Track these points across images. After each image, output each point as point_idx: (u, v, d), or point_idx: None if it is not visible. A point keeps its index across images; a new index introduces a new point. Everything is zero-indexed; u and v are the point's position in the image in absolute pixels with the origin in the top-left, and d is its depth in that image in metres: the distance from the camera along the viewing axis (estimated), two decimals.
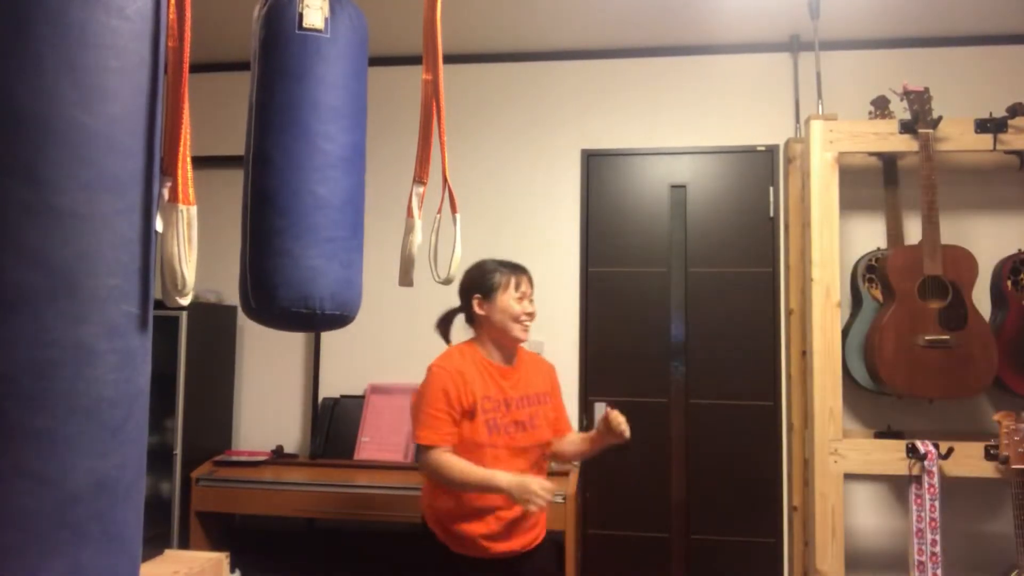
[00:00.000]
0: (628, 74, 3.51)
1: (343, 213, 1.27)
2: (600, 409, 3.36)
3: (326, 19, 1.27)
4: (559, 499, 2.87)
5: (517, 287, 2.20)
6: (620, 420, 2.13)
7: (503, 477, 2.01)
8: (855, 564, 3.09)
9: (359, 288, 1.32)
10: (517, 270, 2.23)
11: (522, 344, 2.27)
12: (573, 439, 2.36)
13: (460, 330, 2.33)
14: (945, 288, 2.75)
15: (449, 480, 2.07)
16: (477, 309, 2.21)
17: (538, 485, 1.95)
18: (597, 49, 3.52)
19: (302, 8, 1.26)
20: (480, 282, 2.22)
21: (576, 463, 3.21)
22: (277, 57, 1.27)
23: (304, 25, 1.26)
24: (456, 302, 2.31)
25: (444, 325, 2.32)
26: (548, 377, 2.35)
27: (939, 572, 2.64)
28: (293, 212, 1.23)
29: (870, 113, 2.99)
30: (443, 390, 2.11)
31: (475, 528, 2.12)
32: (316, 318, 1.24)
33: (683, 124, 3.46)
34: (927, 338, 2.72)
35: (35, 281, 0.82)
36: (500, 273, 2.21)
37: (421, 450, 2.11)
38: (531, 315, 2.22)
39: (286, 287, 1.22)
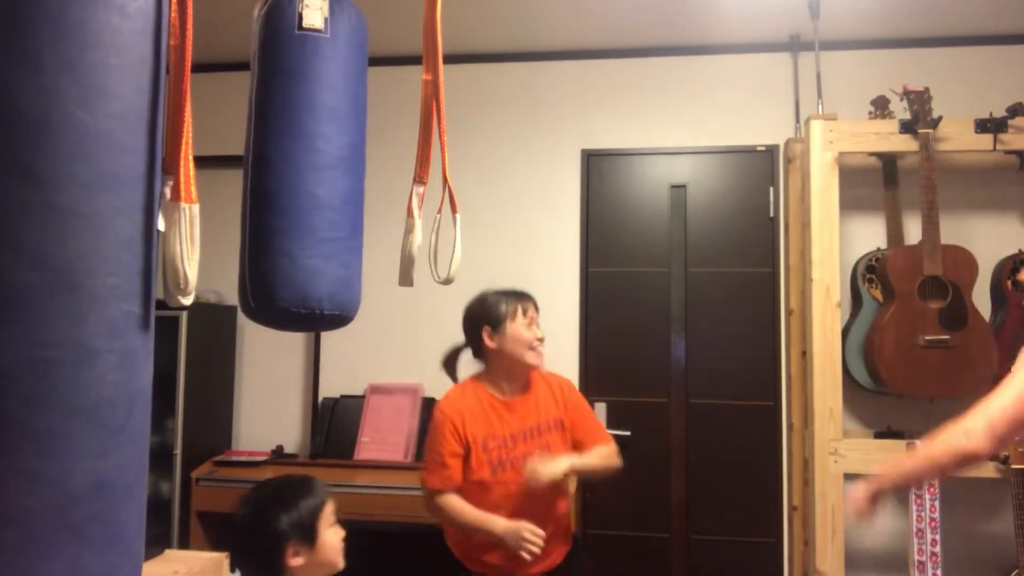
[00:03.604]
0: (628, 74, 3.51)
1: (342, 213, 1.27)
2: (600, 410, 3.36)
3: (326, 19, 1.27)
4: None
5: (524, 313, 2.17)
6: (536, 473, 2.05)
7: (499, 523, 2.04)
8: (855, 564, 3.08)
9: (358, 288, 1.32)
10: (522, 297, 2.20)
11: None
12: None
13: (467, 364, 2.29)
14: (945, 288, 2.75)
15: (450, 521, 2.15)
16: (488, 342, 2.16)
17: (529, 532, 1.98)
18: (597, 49, 3.51)
19: (302, 8, 1.26)
20: (487, 314, 2.17)
21: None
22: (276, 57, 1.27)
23: (304, 25, 1.26)
24: (461, 308, 2.26)
25: (451, 364, 2.28)
26: (563, 395, 2.26)
27: (939, 572, 2.64)
28: (291, 212, 1.23)
29: (870, 113, 2.99)
30: (440, 433, 2.13)
31: (488, 557, 2.12)
32: (315, 318, 1.24)
33: (683, 124, 3.46)
34: (927, 338, 2.72)
35: (35, 280, 0.82)
36: (506, 302, 2.17)
37: (425, 492, 2.17)
38: (542, 340, 2.19)
39: (285, 287, 1.22)
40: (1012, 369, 1.57)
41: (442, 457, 2.11)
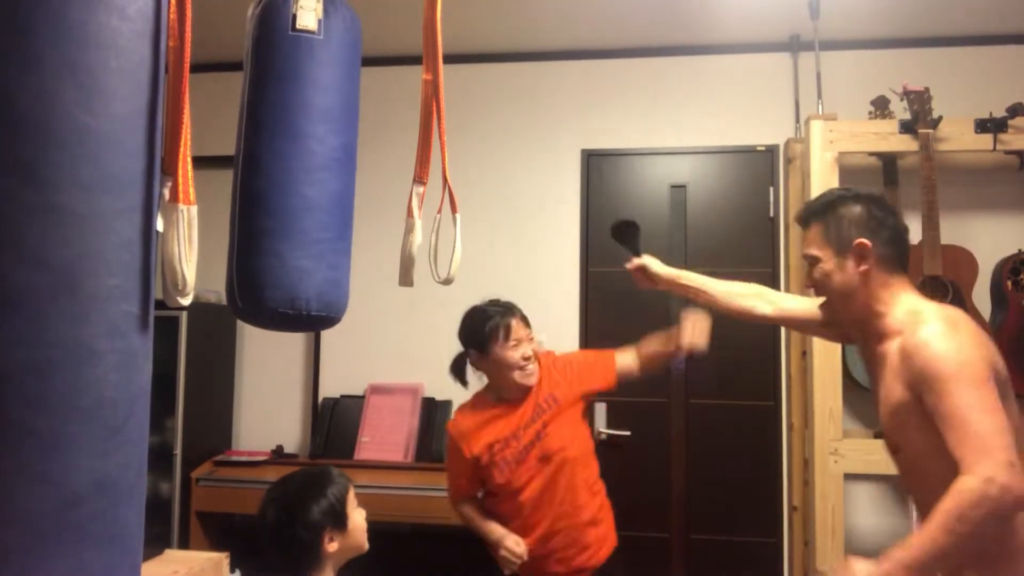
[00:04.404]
0: (628, 74, 3.51)
1: (331, 215, 1.27)
2: (600, 410, 3.36)
3: (319, 20, 1.27)
4: None
5: (507, 336, 2.12)
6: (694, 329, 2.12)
7: (495, 532, 2.15)
8: None
9: (346, 290, 1.33)
10: (506, 315, 2.15)
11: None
12: (646, 346, 2.29)
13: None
14: (945, 288, 2.75)
15: (467, 527, 2.26)
16: (476, 365, 2.21)
17: (512, 543, 2.09)
18: (597, 49, 3.51)
19: (296, 9, 1.26)
20: (472, 336, 2.17)
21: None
22: (269, 58, 1.27)
23: (297, 26, 1.26)
24: (462, 309, 2.27)
25: (458, 370, 2.29)
26: (552, 374, 2.24)
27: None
28: (281, 213, 1.23)
29: (870, 113, 2.99)
30: (450, 453, 2.26)
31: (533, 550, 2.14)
32: (302, 319, 1.24)
33: (683, 124, 3.46)
34: None
35: (36, 281, 0.83)
36: (490, 324, 2.13)
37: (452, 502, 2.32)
38: (529, 358, 2.15)
39: (273, 288, 1.22)
40: (938, 388, 1.38)
41: (454, 474, 2.27)
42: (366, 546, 1.72)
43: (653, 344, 2.30)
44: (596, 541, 2.20)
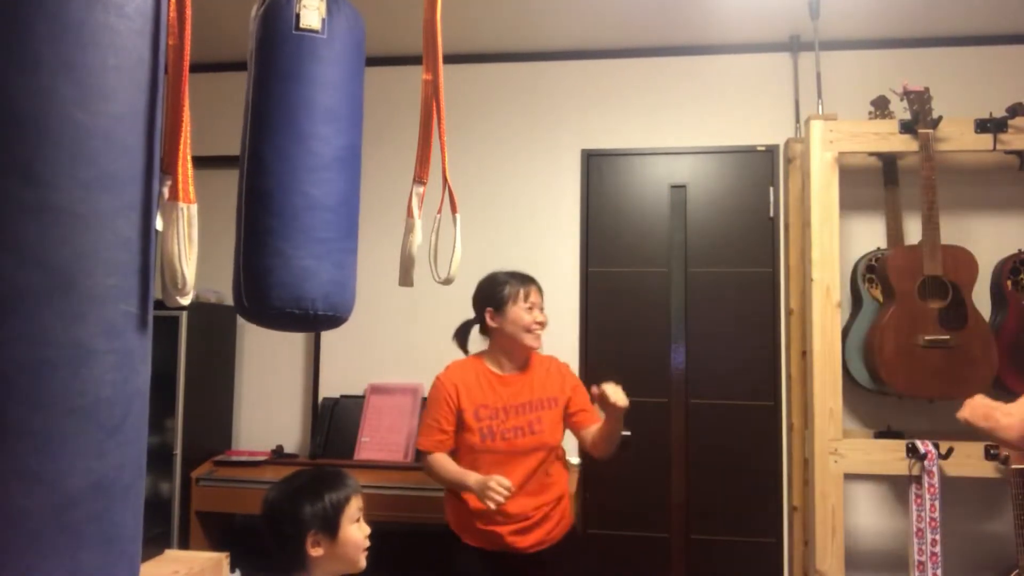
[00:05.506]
0: (628, 74, 3.51)
1: (336, 214, 1.27)
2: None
3: (323, 20, 1.27)
4: None
5: (526, 298, 2.29)
6: (608, 392, 2.13)
7: (472, 477, 2.15)
8: (855, 564, 3.08)
9: (352, 289, 1.32)
10: (526, 281, 2.32)
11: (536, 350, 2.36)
12: (595, 428, 2.34)
13: (477, 340, 2.42)
14: (945, 288, 2.75)
15: (435, 479, 2.29)
16: (489, 321, 2.31)
17: (495, 483, 2.06)
18: (597, 49, 3.51)
19: (299, 8, 1.26)
20: (491, 295, 2.32)
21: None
22: (273, 57, 1.27)
23: (301, 26, 1.26)
24: (462, 309, 2.40)
25: (461, 336, 2.41)
26: (561, 378, 2.39)
27: (939, 572, 2.64)
28: (286, 212, 1.23)
29: (870, 113, 2.98)
30: (437, 400, 2.30)
31: (481, 526, 2.25)
32: (309, 319, 1.24)
33: (683, 124, 3.46)
34: (927, 338, 2.72)
35: (33, 280, 0.82)
36: (510, 285, 2.30)
37: (419, 454, 2.33)
38: (541, 324, 2.31)
39: (279, 288, 1.22)
40: None
41: (437, 422, 2.28)
42: (361, 565, 1.66)
43: (597, 430, 2.33)
44: (553, 520, 2.30)
